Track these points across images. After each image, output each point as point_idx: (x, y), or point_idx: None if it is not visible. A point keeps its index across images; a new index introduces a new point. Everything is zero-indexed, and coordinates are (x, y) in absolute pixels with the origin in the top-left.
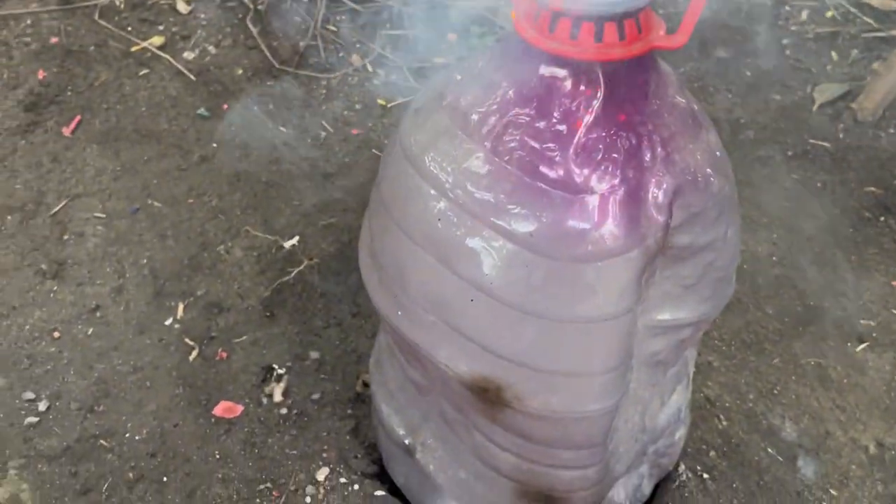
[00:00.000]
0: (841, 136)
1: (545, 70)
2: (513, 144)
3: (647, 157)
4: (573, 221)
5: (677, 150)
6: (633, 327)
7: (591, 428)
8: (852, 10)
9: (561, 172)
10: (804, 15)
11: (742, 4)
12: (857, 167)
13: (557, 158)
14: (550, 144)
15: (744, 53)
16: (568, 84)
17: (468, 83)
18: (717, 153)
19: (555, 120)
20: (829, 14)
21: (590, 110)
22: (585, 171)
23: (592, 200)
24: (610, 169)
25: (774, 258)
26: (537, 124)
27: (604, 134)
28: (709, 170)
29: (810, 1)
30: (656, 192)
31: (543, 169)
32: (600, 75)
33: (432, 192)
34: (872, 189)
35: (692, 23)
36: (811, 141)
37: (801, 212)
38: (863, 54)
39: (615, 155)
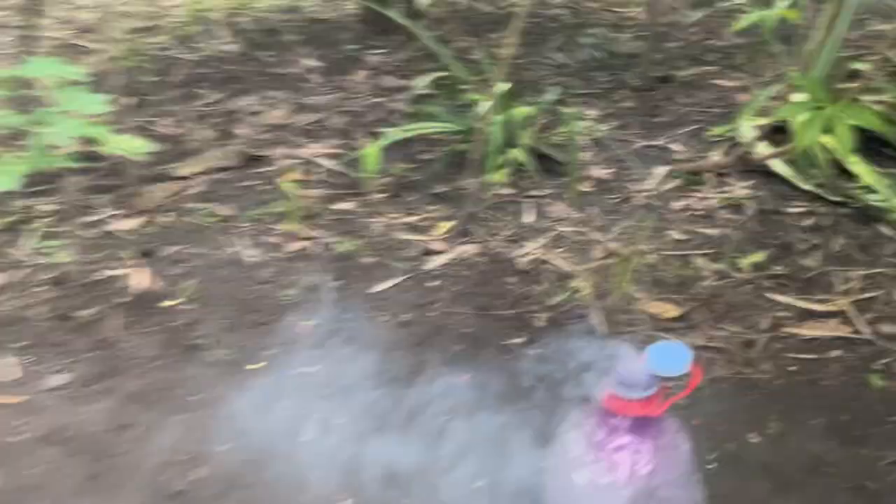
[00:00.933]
0: None
1: (608, 416)
2: (600, 441)
3: (645, 453)
4: (614, 478)
5: (662, 453)
6: None
7: None
8: None
9: (608, 455)
10: None
11: None
12: None
13: (609, 448)
14: (607, 443)
15: None
16: (617, 419)
17: (588, 415)
18: (683, 462)
19: (611, 435)
20: None
21: (624, 432)
22: (615, 456)
23: (617, 466)
24: (627, 457)
25: None
26: (603, 437)
27: (626, 442)
28: (675, 471)
29: None
30: (643, 471)
31: (604, 453)
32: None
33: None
34: None
35: (667, 404)
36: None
37: None
38: None
39: (630, 451)
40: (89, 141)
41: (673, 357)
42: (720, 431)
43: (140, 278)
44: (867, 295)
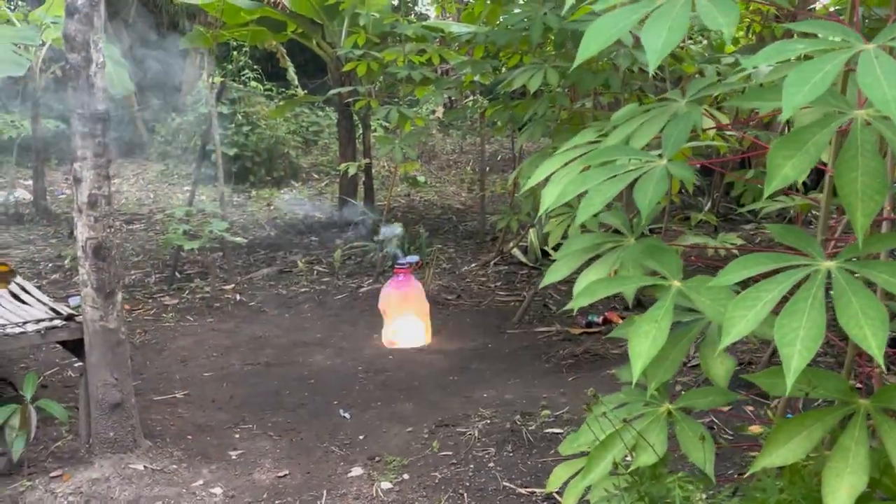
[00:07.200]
0: None
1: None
2: (395, 278)
3: (408, 282)
4: (400, 290)
5: (413, 284)
6: None
7: None
8: None
9: (397, 282)
10: None
11: None
12: None
13: (397, 280)
14: (398, 278)
15: None
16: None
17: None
18: (419, 288)
19: (397, 275)
20: None
21: (403, 276)
22: (400, 283)
23: (402, 285)
24: (404, 284)
25: None
26: (395, 277)
27: (401, 279)
28: (418, 290)
29: None
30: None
31: (394, 282)
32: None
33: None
34: None
35: (411, 269)
36: None
37: None
38: None
39: (401, 282)
40: None
41: (412, 257)
42: None
43: None
44: None
